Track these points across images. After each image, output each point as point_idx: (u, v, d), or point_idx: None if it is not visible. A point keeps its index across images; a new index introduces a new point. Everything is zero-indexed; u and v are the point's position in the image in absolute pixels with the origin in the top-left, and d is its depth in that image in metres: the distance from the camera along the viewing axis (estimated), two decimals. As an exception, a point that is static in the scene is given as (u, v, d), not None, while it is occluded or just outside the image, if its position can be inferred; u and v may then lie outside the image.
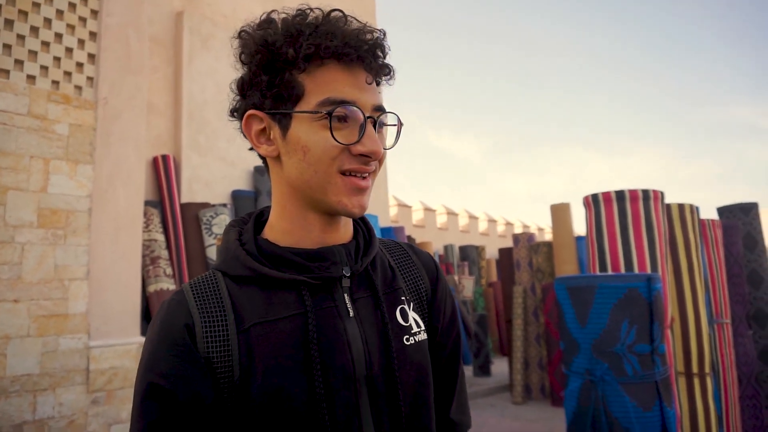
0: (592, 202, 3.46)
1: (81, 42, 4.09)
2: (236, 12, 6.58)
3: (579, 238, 6.83)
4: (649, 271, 3.21)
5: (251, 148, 0.75)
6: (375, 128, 0.70)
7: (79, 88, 4.01)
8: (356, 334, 0.70)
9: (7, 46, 3.71)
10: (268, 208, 0.80)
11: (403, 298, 0.77)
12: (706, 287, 3.82)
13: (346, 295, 0.72)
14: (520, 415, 6.19)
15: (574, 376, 2.69)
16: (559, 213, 6.85)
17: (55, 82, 3.90)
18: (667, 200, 3.58)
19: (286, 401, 0.64)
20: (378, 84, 0.72)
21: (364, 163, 0.69)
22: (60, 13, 3.99)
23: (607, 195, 3.37)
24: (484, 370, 8.48)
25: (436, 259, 12.24)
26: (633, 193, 3.29)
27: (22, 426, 3.40)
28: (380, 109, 0.70)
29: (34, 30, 3.85)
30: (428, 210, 15.28)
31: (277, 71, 0.68)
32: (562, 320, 2.83)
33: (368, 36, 0.68)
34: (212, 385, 0.65)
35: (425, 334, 0.77)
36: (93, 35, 4.16)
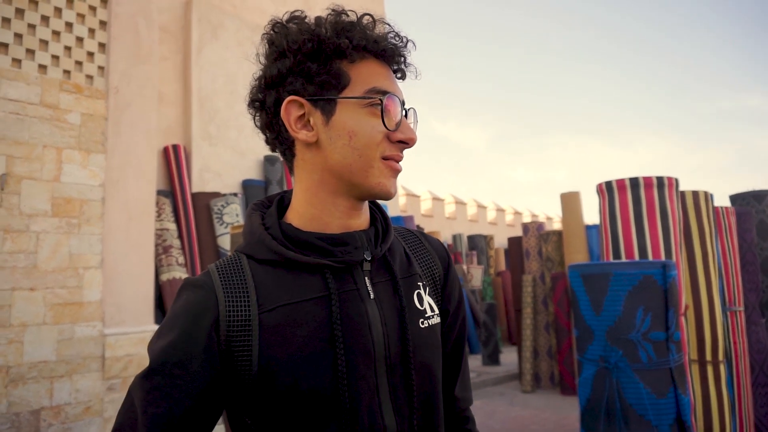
0: (606, 190, 3.44)
1: (91, 31, 4.09)
2: (245, 2, 6.54)
3: (589, 227, 6.80)
4: (663, 258, 3.19)
5: (276, 137, 0.77)
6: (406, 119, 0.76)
7: (90, 77, 4.02)
8: (376, 317, 0.73)
9: (18, 36, 3.71)
10: (289, 192, 0.83)
11: (419, 283, 0.81)
12: (719, 275, 3.79)
13: (367, 278, 0.75)
14: (529, 404, 6.20)
15: (588, 363, 2.69)
16: (570, 202, 6.82)
17: (67, 72, 3.91)
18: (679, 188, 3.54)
19: (310, 380, 0.67)
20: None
21: (400, 150, 0.75)
22: (70, 2, 3.99)
23: (621, 182, 3.34)
24: (493, 359, 8.49)
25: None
26: (647, 180, 3.26)
27: (40, 411, 3.45)
28: (404, 104, 0.77)
29: (45, 19, 3.85)
30: (436, 199, 15.25)
31: (326, 60, 0.72)
32: (576, 308, 2.82)
33: (400, 41, 0.76)
34: (229, 366, 0.68)
35: (438, 318, 0.81)
36: (103, 24, 4.16)
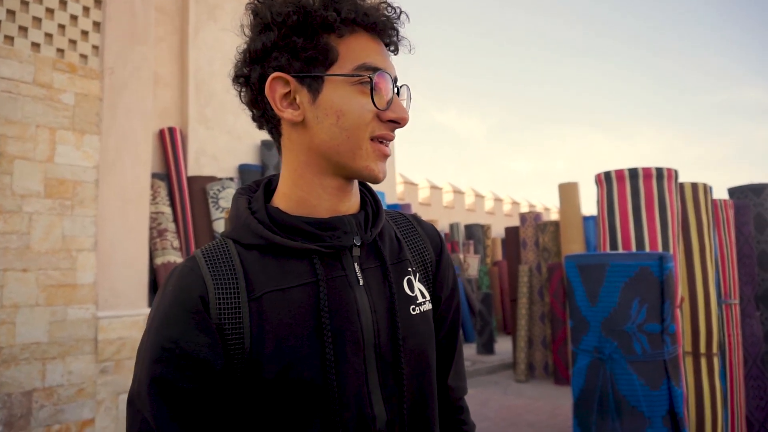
0: (605, 180, 3.41)
1: (86, 9, 4.01)
2: (243, -18, 6.46)
3: (586, 218, 6.79)
4: (660, 250, 3.18)
5: (262, 115, 0.74)
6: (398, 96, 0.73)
7: (84, 57, 3.95)
8: (365, 303, 0.71)
9: (11, 12, 3.64)
10: (276, 176, 0.80)
11: (409, 269, 0.78)
12: (716, 267, 3.78)
13: (356, 264, 0.73)
14: (523, 393, 6.23)
15: (582, 354, 2.68)
16: (567, 192, 6.80)
17: (60, 51, 3.84)
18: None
19: (297, 368, 0.65)
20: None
21: (391, 130, 0.71)
22: (65, -21, 3.90)
23: (620, 173, 3.32)
24: (487, 348, 8.53)
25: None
26: (646, 170, 3.23)
27: (32, 393, 3.44)
28: (396, 81, 0.73)
29: (39, -4, 3.77)
30: (434, 188, 15.22)
31: (312, 34, 0.68)
32: (571, 298, 2.81)
33: (391, 11, 0.72)
34: (223, 352, 0.65)
35: (430, 305, 0.79)
36: (98, 3, 4.08)
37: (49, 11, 3.81)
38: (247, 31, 0.72)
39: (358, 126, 0.68)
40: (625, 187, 3.26)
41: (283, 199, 0.74)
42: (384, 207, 0.85)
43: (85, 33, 3.98)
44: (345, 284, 0.71)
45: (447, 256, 0.86)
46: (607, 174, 3.37)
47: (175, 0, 5.85)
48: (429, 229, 0.87)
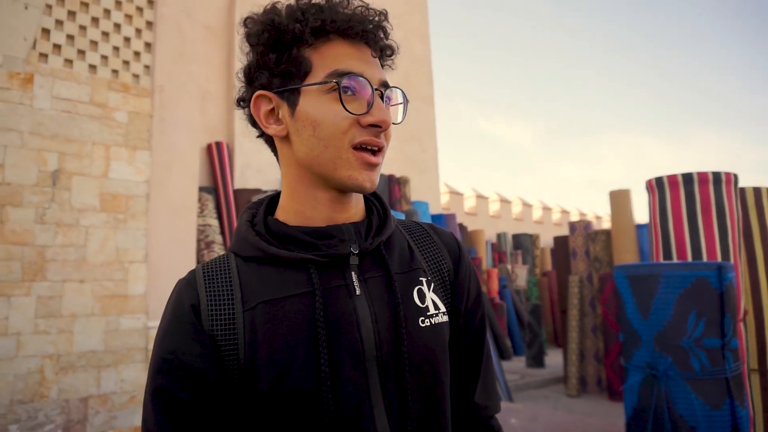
0: (656, 186, 3.24)
1: (138, 31, 4.20)
2: (287, -1, 6.61)
3: (639, 226, 6.50)
4: (719, 259, 2.98)
5: (259, 135, 0.76)
6: (382, 100, 0.70)
7: (136, 76, 4.14)
8: (366, 314, 0.68)
9: (70, 37, 3.86)
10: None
11: (422, 278, 0.75)
12: (784, 279, 3.52)
13: (354, 273, 0.70)
14: (574, 408, 5.99)
15: (634, 370, 2.54)
16: (619, 200, 6.54)
17: (115, 71, 4.03)
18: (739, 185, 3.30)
19: (292, 380, 0.63)
20: (382, 62, 0.74)
21: (375, 135, 0.68)
22: (119, 3, 4.11)
23: (672, 178, 3.14)
24: (537, 361, 8.27)
25: (488, 247, 11.96)
26: (702, 175, 3.05)
27: (88, 399, 3.58)
28: (385, 85, 0.71)
29: (95, 20, 3.99)
30: (480, 197, 15.01)
31: (285, 48, 0.69)
32: (622, 311, 2.67)
33: (371, 14, 0.70)
34: (217, 362, 0.65)
35: (445, 317, 0.75)
36: (149, 24, 4.27)
37: (105, 34, 4.02)
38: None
39: (334, 135, 0.67)
40: (679, 193, 3.09)
41: (283, 213, 0.74)
42: (394, 216, 0.82)
43: (137, 54, 4.18)
44: (344, 294, 0.68)
45: (467, 265, 0.81)
46: (659, 180, 3.20)
47: (223, 19, 6.06)
48: (446, 237, 0.83)
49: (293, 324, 0.65)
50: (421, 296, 0.73)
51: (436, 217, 7.42)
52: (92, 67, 3.93)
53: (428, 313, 0.72)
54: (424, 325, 0.71)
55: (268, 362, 0.64)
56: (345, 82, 0.66)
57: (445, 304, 0.76)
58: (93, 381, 3.62)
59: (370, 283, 0.71)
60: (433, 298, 0.74)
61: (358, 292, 0.69)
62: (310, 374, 0.63)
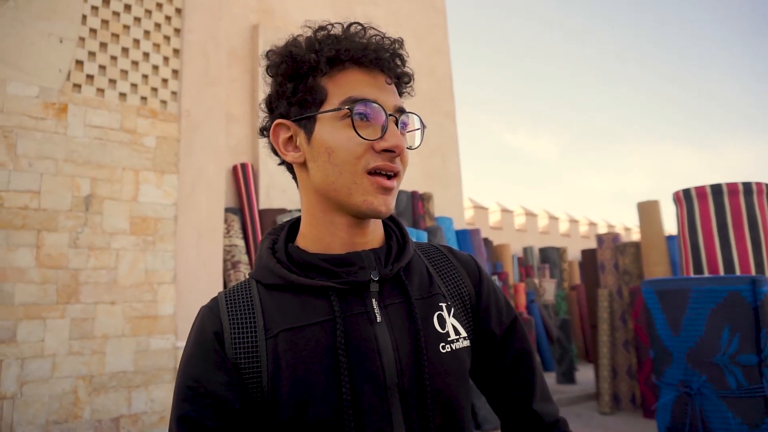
0: (684, 198, 3.17)
1: (166, 59, 4.35)
2: (308, 23, 6.74)
3: (670, 238, 6.35)
4: (753, 272, 2.89)
5: (280, 163, 0.78)
6: (397, 126, 0.71)
7: (164, 102, 4.27)
8: (387, 341, 0.68)
9: (102, 67, 4.01)
10: None
11: (441, 303, 0.75)
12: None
13: (374, 300, 0.70)
14: (608, 426, 5.83)
15: (666, 388, 2.47)
16: (648, 211, 6.40)
17: (143, 98, 4.17)
18: (773, 194, 3.20)
19: (313, 409, 0.63)
20: (399, 89, 0.75)
21: (389, 160, 0.69)
22: (147, 33, 4.27)
23: (701, 189, 3.08)
24: (568, 377, 8.09)
25: (515, 261, 11.77)
26: (732, 186, 2.97)
27: (119, 419, 3.65)
28: (401, 111, 0.72)
29: (125, 50, 4.14)
30: (505, 211, 14.88)
31: (301, 77, 0.71)
32: (651, 327, 2.61)
33: (386, 43, 0.72)
34: (241, 391, 0.66)
35: (466, 341, 0.75)
36: (176, 52, 4.41)
37: (134, 63, 4.17)
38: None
39: (348, 160, 0.68)
40: (708, 204, 3.02)
41: (302, 239, 0.75)
42: (413, 240, 0.82)
43: (165, 80, 4.31)
44: (365, 321, 0.69)
45: (488, 285, 0.81)
46: (687, 191, 3.13)
47: (246, 43, 6.22)
48: (464, 259, 0.83)
49: (314, 352, 0.66)
50: (442, 322, 0.73)
51: (460, 233, 7.38)
52: (122, 95, 4.07)
53: (449, 339, 0.72)
54: (444, 351, 0.71)
55: (290, 391, 0.64)
56: (358, 108, 0.67)
57: (466, 329, 0.76)
58: (124, 401, 3.69)
59: (391, 310, 0.71)
60: (454, 323, 0.74)
61: (378, 319, 0.69)
62: (331, 403, 0.64)
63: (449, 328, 0.73)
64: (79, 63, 3.90)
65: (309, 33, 0.73)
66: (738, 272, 2.92)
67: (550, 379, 8.39)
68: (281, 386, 0.64)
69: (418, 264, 0.78)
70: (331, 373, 0.65)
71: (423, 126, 0.77)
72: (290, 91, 0.71)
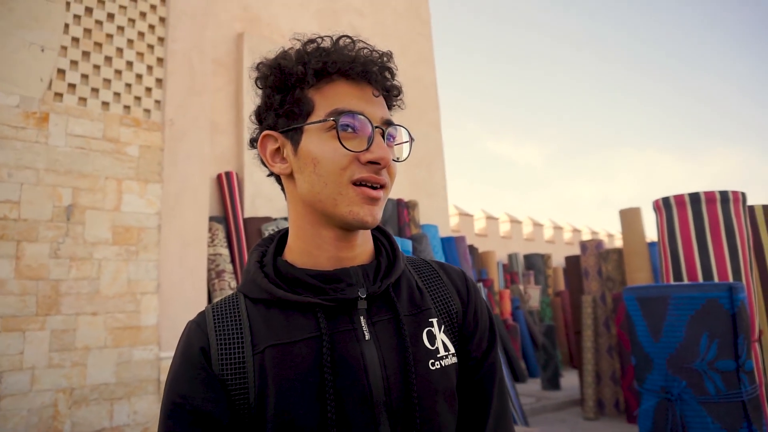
0: (663, 206, 3.24)
1: (149, 68, 4.32)
2: (294, 32, 6.76)
3: (652, 244, 6.45)
4: (731, 279, 2.95)
5: (269, 175, 0.78)
6: (384, 138, 0.71)
7: (147, 111, 4.24)
8: (374, 359, 0.67)
9: (85, 76, 3.98)
10: None
11: (431, 320, 0.74)
12: (799, 296, 3.46)
13: (362, 317, 0.70)
14: (592, 432, 5.87)
15: (648, 393, 2.50)
16: (630, 218, 6.50)
17: (127, 107, 4.14)
18: (751, 202, 3.28)
19: (299, 425, 0.63)
20: (388, 102, 0.75)
21: (375, 172, 0.69)
22: (131, 42, 4.24)
23: (679, 198, 3.14)
24: (553, 383, 8.14)
25: (500, 268, 11.81)
26: (709, 195, 3.04)
27: (100, 433, 3.59)
28: (389, 123, 0.72)
29: (108, 59, 4.11)
30: (490, 218, 14.98)
31: (289, 89, 0.72)
32: (633, 333, 2.65)
33: (374, 56, 0.72)
34: (228, 407, 0.65)
35: (454, 358, 0.73)
36: (160, 61, 4.39)
37: (118, 72, 4.14)
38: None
39: (333, 171, 0.68)
40: (687, 212, 3.08)
41: (290, 252, 0.75)
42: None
43: (148, 89, 4.29)
44: (352, 339, 0.68)
45: (477, 304, 0.79)
46: (666, 200, 3.19)
47: (231, 52, 6.21)
48: (455, 275, 0.81)
49: (300, 369, 0.65)
50: (431, 338, 0.72)
51: (446, 240, 7.41)
52: (105, 104, 4.04)
53: (438, 356, 0.71)
54: (434, 368, 0.70)
55: (276, 407, 0.63)
56: (343, 120, 0.67)
57: (453, 345, 0.75)
58: (106, 414, 3.63)
59: (379, 327, 0.70)
60: (443, 339, 0.73)
61: (367, 336, 0.69)
62: (316, 421, 0.63)
63: (439, 344, 0.72)
64: (61, 72, 3.87)
65: (299, 46, 0.73)
66: (716, 279, 2.98)
67: (535, 385, 8.43)
68: (267, 402, 0.64)
69: (408, 279, 0.77)
70: (316, 391, 0.64)
71: (411, 139, 0.77)
72: (278, 102, 0.72)
